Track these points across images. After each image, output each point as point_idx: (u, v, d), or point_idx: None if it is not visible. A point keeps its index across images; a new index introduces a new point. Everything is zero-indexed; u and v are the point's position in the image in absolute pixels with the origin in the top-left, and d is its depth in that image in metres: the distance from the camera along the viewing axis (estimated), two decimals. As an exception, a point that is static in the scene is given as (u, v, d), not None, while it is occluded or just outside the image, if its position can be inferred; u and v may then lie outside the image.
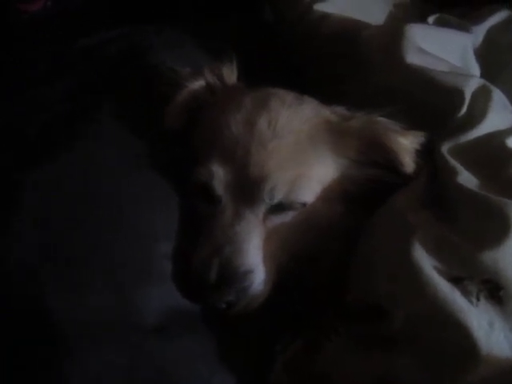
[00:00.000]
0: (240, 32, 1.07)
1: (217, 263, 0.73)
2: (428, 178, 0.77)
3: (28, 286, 0.69)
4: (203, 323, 0.75)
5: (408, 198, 0.76)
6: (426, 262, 0.67)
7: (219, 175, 0.77)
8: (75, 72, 0.93)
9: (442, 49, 0.89)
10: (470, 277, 0.66)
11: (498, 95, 0.82)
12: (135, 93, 0.88)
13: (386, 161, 0.78)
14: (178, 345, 0.72)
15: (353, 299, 0.74)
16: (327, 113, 0.82)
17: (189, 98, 0.85)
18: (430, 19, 1.00)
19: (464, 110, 0.80)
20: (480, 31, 0.98)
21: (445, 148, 0.77)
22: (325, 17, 0.98)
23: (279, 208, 0.77)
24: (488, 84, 0.82)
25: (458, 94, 0.80)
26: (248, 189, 0.76)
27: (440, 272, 0.67)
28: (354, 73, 0.93)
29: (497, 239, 0.66)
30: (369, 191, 0.79)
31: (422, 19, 1.01)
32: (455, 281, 0.66)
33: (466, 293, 0.65)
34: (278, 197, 0.76)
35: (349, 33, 0.94)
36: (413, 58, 0.85)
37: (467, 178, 0.74)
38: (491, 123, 0.79)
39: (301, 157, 0.77)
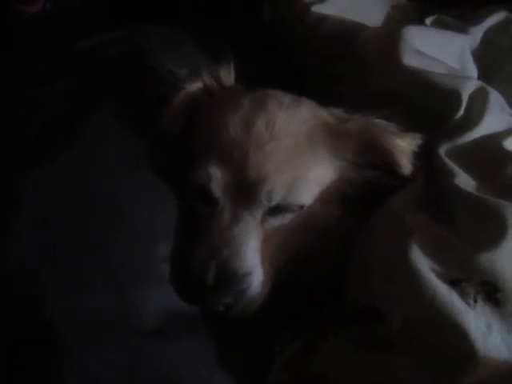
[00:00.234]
0: (240, 32, 1.07)
1: (215, 265, 0.74)
2: (425, 180, 0.77)
3: (28, 286, 0.69)
4: (202, 325, 0.75)
5: (405, 200, 0.76)
6: (423, 264, 0.67)
7: (217, 177, 0.77)
8: (75, 72, 0.92)
9: (440, 50, 0.89)
10: (468, 279, 0.66)
11: (495, 97, 0.82)
12: (135, 93, 0.88)
13: (384, 163, 0.78)
14: (178, 346, 0.72)
15: (350, 300, 0.74)
16: (325, 114, 0.82)
17: (187, 99, 0.85)
18: (428, 20, 1.00)
19: (461, 112, 0.80)
20: (477, 32, 0.98)
21: (442, 150, 0.77)
22: (323, 18, 0.98)
23: (277, 210, 0.77)
24: (485, 86, 0.82)
25: (456, 95, 0.80)
26: (246, 191, 0.76)
27: (438, 274, 0.67)
28: (351, 74, 0.93)
29: (494, 241, 0.67)
30: (366, 193, 0.79)
31: (420, 20, 1.01)
32: (453, 283, 0.66)
33: (463, 295, 0.65)
34: (276, 199, 0.76)
35: (346, 34, 0.94)
36: (410, 60, 0.85)
37: (465, 180, 0.74)
38: (488, 125, 0.79)
39: (298, 159, 0.77)
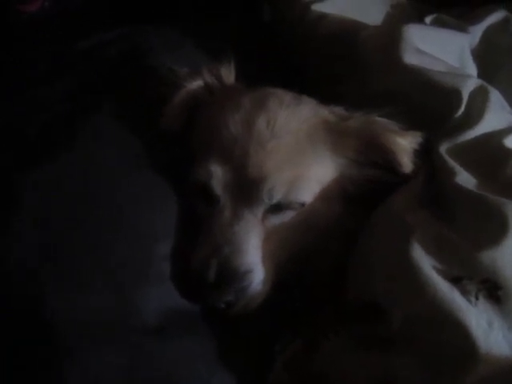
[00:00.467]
0: (240, 32, 1.07)
1: (216, 263, 0.73)
2: (426, 179, 0.77)
3: (28, 286, 0.69)
4: (203, 323, 0.75)
5: (406, 199, 0.76)
6: (424, 261, 0.67)
7: (218, 175, 0.77)
8: (75, 72, 0.92)
9: (440, 49, 0.89)
10: (469, 276, 0.66)
11: (495, 95, 0.82)
12: (135, 93, 0.88)
13: (385, 161, 0.79)
14: (178, 345, 0.72)
15: (351, 298, 0.74)
16: (325, 113, 0.82)
17: (187, 98, 0.85)
18: (428, 19, 1.00)
19: (462, 110, 0.80)
20: (477, 32, 0.98)
21: (443, 148, 0.77)
22: (322, 17, 0.98)
23: (278, 208, 0.77)
24: (485, 84, 0.82)
25: (456, 94, 0.80)
26: (247, 189, 0.76)
27: (439, 272, 0.67)
28: (351, 73, 0.93)
29: (495, 239, 0.67)
30: (367, 191, 0.79)
31: (420, 19, 1.01)
32: (454, 280, 0.66)
33: (464, 292, 0.65)
34: (277, 197, 0.76)
35: (346, 33, 0.94)
36: (410, 59, 0.85)
37: (465, 179, 0.74)
38: (489, 123, 0.79)
39: (299, 157, 0.78)
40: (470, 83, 0.81)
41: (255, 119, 0.78)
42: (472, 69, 0.94)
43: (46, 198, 0.74)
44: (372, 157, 0.79)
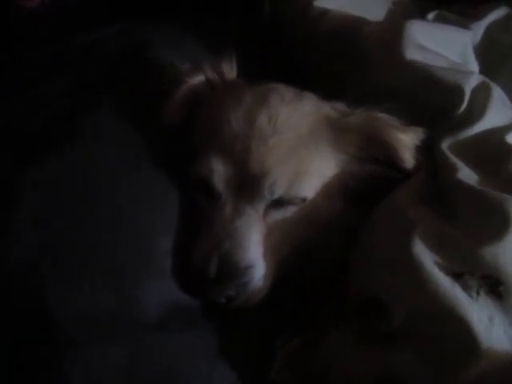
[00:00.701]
0: (240, 29, 1.07)
1: (217, 258, 0.74)
2: (428, 175, 0.77)
3: (28, 286, 0.69)
4: (203, 318, 0.75)
5: (408, 194, 0.76)
6: (426, 257, 0.68)
7: (219, 170, 0.77)
8: (75, 68, 0.92)
9: (442, 45, 0.89)
10: (471, 272, 0.66)
11: (497, 92, 0.82)
12: (135, 89, 0.88)
13: (386, 157, 0.79)
14: (178, 340, 0.72)
15: (352, 294, 0.74)
16: (327, 109, 0.82)
17: (188, 93, 0.85)
18: (430, 16, 1.00)
19: (464, 106, 0.80)
20: (479, 28, 0.98)
21: (445, 144, 0.77)
22: (324, 13, 0.98)
23: (279, 203, 0.77)
24: (488, 81, 0.82)
25: (458, 90, 0.80)
26: (248, 184, 0.76)
27: (440, 267, 0.67)
28: (352, 70, 0.93)
29: (497, 235, 0.67)
30: (369, 187, 0.79)
31: (421, 16, 1.01)
32: (456, 276, 0.66)
33: (466, 288, 0.65)
34: (278, 192, 0.76)
35: (348, 30, 0.94)
36: (413, 55, 0.85)
37: (467, 175, 0.74)
38: (491, 120, 0.79)
39: (301, 152, 0.77)
40: (473, 79, 0.81)
41: (257, 115, 0.78)
42: (474, 65, 0.94)
43: (46, 197, 0.74)
44: (374, 153, 0.79)
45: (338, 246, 0.79)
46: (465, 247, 0.68)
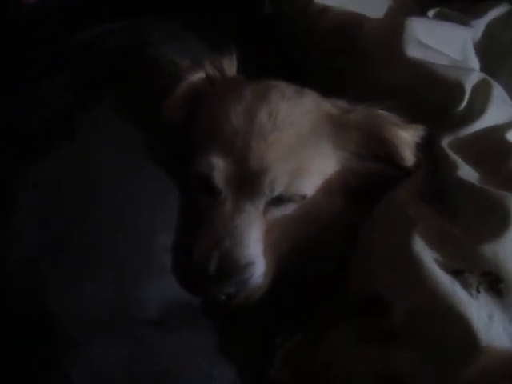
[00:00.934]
0: (240, 26, 1.07)
1: (217, 255, 0.73)
2: (428, 172, 0.77)
3: (28, 286, 0.69)
4: (203, 316, 0.75)
5: (408, 192, 0.76)
6: (426, 254, 0.67)
7: (219, 167, 0.77)
8: (75, 66, 0.92)
9: (443, 43, 0.89)
10: (471, 269, 0.66)
11: (497, 89, 0.82)
12: (135, 86, 0.88)
13: (387, 154, 0.79)
14: (178, 338, 0.72)
15: (353, 291, 0.74)
16: (328, 106, 0.82)
17: (189, 90, 0.85)
18: (430, 13, 1.00)
19: (464, 103, 0.80)
20: (479, 25, 0.98)
21: (445, 142, 0.77)
22: (325, 10, 0.98)
23: (279, 200, 0.77)
24: (488, 78, 0.82)
25: (459, 87, 0.80)
26: (248, 181, 0.76)
27: (440, 265, 0.67)
28: (353, 67, 0.93)
29: (497, 232, 0.67)
30: (369, 184, 0.79)
31: (422, 13, 1.01)
32: (456, 273, 0.66)
33: (466, 285, 0.65)
34: (279, 189, 0.76)
35: (349, 26, 0.94)
36: (413, 52, 0.85)
37: (467, 172, 0.74)
38: (491, 117, 0.79)
39: (301, 149, 0.77)
40: (473, 77, 0.81)
41: (257, 111, 0.78)
42: (474, 62, 0.94)
43: (45, 197, 0.74)
44: (374, 150, 0.79)
45: (338, 243, 0.79)
46: (465, 245, 0.68)
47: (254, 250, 0.75)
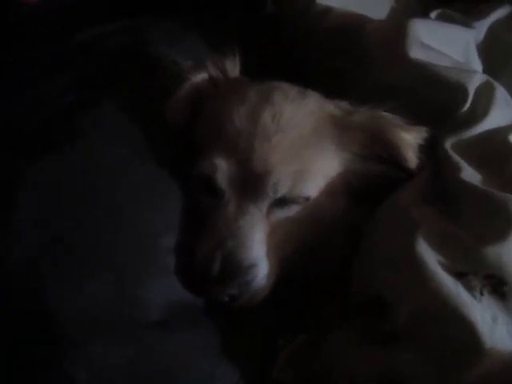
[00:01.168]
0: (241, 26, 1.06)
1: (220, 256, 0.73)
2: (431, 174, 0.77)
3: (28, 286, 0.68)
4: (206, 317, 0.75)
5: (411, 194, 0.76)
6: (429, 256, 0.68)
7: (222, 168, 0.76)
8: (75, 66, 0.91)
9: (445, 44, 0.89)
10: (474, 272, 0.66)
11: (500, 91, 0.82)
12: (135, 86, 0.87)
13: (390, 156, 0.79)
14: (179, 339, 0.72)
15: (356, 292, 0.74)
16: (331, 107, 0.81)
17: (191, 91, 0.85)
18: (433, 14, 1.00)
19: (467, 105, 0.80)
20: (482, 27, 0.98)
21: (448, 144, 0.77)
22: (328, 10, 0.98)
23: (283, 202, 0.77)
24: (491, 80, 0.82)
25: (462, 89, 0.80)
26: (251, 183, 0.76)
27: (444, 267, 0.67)
28: (353, 68, 0.92)
29: (501, 234, 0.67)
30: (372, 186, 0.79)
31: (424, 14, 1.01)
32: (459, 276, 0.66)
33: (469, 288, 0.65)
34: (282, 191, 0.76)
35: (351, 27, 0.94)
36: (416, 53, 0.85)
37: (471, 174, 0.74)
38: (494, 119, 0.79)
39: (304, 151, 0.77)
40: (476, 79, 0.81)
41: (260, 112, 0.77)
42: (477, 64, 0.94)
43: (45, 197, 0.74)
44: (377, 151, 0.79)
45: (341, 245, 0.79)
46: (468, 247, 0.68)
47: (258, 251, 0.75)
